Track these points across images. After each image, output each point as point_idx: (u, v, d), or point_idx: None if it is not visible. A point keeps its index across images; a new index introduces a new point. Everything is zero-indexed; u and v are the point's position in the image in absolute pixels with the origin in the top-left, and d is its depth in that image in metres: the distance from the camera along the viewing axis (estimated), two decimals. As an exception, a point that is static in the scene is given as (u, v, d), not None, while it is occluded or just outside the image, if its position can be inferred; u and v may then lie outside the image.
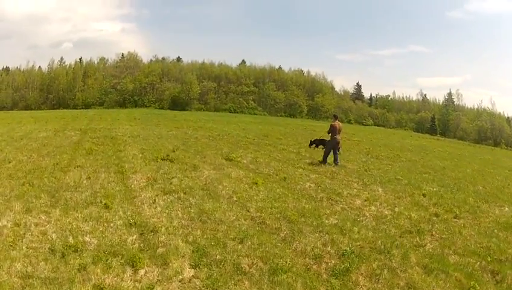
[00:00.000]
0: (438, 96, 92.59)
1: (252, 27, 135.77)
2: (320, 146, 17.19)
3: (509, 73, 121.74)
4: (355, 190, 9.48)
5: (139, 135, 18.29)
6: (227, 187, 8.75)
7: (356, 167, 13.18)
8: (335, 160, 12.86)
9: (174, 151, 13.40)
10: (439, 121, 75.02)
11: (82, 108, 60.45)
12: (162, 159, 11.49)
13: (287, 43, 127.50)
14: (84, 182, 8.26)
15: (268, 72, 78.40)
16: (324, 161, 12.76)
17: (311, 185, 9.75)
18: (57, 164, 10.11)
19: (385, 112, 79.37)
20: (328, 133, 13.11)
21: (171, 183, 8.67)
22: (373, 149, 21.44)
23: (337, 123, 12.89)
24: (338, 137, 12.72)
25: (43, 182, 8.07)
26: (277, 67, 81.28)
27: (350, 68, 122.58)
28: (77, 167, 9.76)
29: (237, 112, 66.55)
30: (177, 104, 65.57)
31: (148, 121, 29.64)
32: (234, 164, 11.93)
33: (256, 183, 9.31)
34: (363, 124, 73.23)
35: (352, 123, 73.39)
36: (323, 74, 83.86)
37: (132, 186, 8.23)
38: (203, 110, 65.40)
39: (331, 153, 13.10)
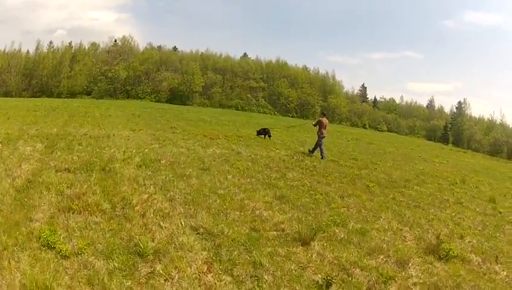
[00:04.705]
0: (422, 102, 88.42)
1: (247, 23, 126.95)
2: (263, 136, 17.65)
3: (499, 85, 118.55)
4: None
5: (158, 160, 9.46)
6: None
7: None
8: (322, 153, 13.24)
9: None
10: (451, 130, 70.40)
11: (67, 97, 51.46)
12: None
13: (281, 41, 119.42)
14: None
15: (277, 67, 69.54)
16: (312, 152, 13.59)
17: None
18: None
19: (397, 118, 74.72)
20: (314, 126, 13.99)
21: None
22: (497, 185, 14.52)
23: (325, 120, 13.79)
24: (324, 132, 13.60)
25: None
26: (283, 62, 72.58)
27: (340, 70, 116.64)
28: None
29: (245, 110, 57.71)
30: (177, 97, 56.34)
31: (154, 122, 20.76)
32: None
33: None
34: (378, 130, 67.23)
35: (367, 128, 66.73)
36: (333, 73, 75.45)
37: None
38: (207, 105, 56.32)
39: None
